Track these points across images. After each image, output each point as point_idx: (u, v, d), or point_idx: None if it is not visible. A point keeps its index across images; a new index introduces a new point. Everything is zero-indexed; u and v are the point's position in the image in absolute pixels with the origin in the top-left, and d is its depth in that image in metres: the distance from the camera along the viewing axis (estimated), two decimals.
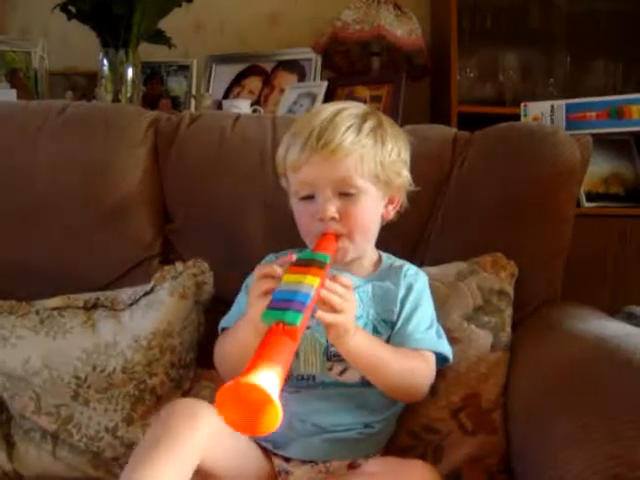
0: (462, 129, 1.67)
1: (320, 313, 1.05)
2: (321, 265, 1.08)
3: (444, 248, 1.53)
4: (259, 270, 1.13)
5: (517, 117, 2.12)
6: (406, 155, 1.31)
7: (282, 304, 0.97)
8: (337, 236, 1.21)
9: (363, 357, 1.18)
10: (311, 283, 1.02)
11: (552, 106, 2.07)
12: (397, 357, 1.22)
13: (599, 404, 1.07)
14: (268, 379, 0.81)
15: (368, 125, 1.24)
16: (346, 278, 1.12)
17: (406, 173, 1.30)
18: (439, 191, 1.54)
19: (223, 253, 1.57)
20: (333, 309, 1.07)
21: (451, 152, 1.59)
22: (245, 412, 0.83)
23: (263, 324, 0.98)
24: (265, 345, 0.90)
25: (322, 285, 1.05)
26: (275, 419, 0.81)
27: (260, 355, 0.87)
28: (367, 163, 1.22)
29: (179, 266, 1.47)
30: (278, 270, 1.08)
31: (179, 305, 1.42)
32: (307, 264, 1.07)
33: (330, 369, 1.25)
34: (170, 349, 1.40)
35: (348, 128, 1.21)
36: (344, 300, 1.08)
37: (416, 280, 1.34)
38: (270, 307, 0.98)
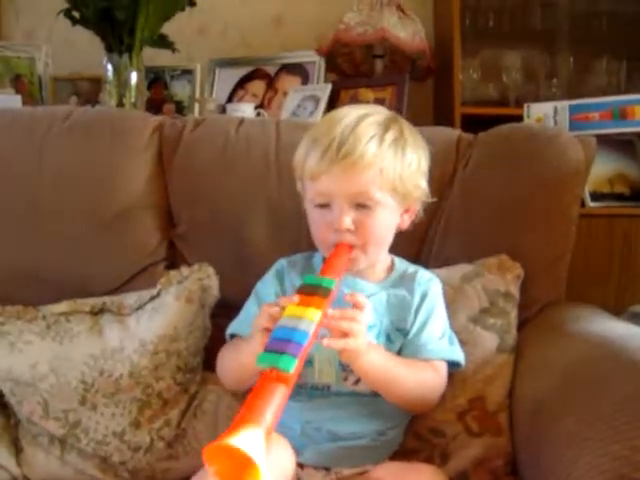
0: (466, 130, 1.68)
1: (327, 341, 1.06)
2: (325, 293, 1.07)
3: (448, 250, 1.53)
4: (265, 307, 1.11)
5: (520, 118, 2.13)
6: (425, 166, 1.30)
7: (279, 345, 0.97)
8: (351, 247, 1.21)
9: (376, 374, 1.18)
10: (311, 318, 1.02)
11: (555, 107, 2.07)
12: (409, 371, 1.23)
13: (604, 404, 1.07)
14: (251, 439, 0.82)
15: (390, 136, 1.22)
16: (362, 297, 1.13)
17: (424, 184, 1.29)
18: (443, 193, 1.54)
19: (228, 257, 1.57)
20: (343, 334, 1.07)
21: (455, 154, 1.59)
22: (231, 468, 0.83)
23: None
24: (256, 394, 0.90)
25: (325, 315, 1.05)
26: (257, 478, 0.81)
27: (249, 407, 0.88)
28: (386, 176, 1.20)
29: (184, 270, 1.48)
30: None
31: (185, 309, 1.42)
32: (311, 292, 1.07)
33: (345, 379, 1.24)
34: (176, 353, 1.40)
35: (370, 139, 1.19)
36: (355, 323, 1.08)
37: (430, 287, 1.34)
38: (267, 349, 0.98)
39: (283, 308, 1.05)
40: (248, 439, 0.81)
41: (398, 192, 1.23)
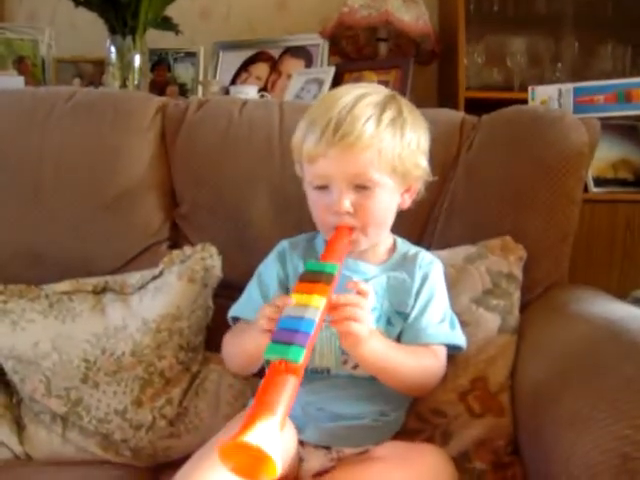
0: (470, 114, 1.67)
1: (335, 326, 1.06)
2: (328, 279, 1.06)
3: (452, 231, 1.53)
4: (264, 310, 1.09)
5: (525, 102, 2.12)
6: (425, 144, 1.28)
7: (286, 336, 0.97)
8: (351, 229, 1.20)
9: (376, 362, 1.17)
10: (317, 306, 1.01)
11: (560, 90, 2.06)
12: (408, 358, 1.22)
13: (606, 385, 1.08)
14: (266, 434, 0.82)
15: (388, 115, 1.20)
16: (365, 285, 1.12)
17: (424, 163, 1.27)
18: (447, 174, 1.55)
19: (231, 237, 1.58)
20: (347, 320, 1.07)
21: (459, 136, 1.59)
22: (247, 462, 0.84)
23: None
24: (267, 387, 0.91)
25: (329, 302, 1.05)
26: (273, 472, 0.82)
27: (260, 401, 0.88)
28: (385, 157, 1.18)
29: (187, 250, 1.47)
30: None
31: (187, 289, 1.42)
32: (315, 279, 1.06)
33: (344, 363, 1.24)
34: (178, 332, 1.40)
35: (367, 120, 1.17)
36: (358, 309, 1.08)
37: (431, 270, 1.33)
38: (274, 340, 0.98)
39: (281, 308, 1.04)
40: (262, 434, 0.82)
41: (397, 172, 1.21)
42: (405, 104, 1.27)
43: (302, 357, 0.94)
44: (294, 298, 1.03)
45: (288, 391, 0.90)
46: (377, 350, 1.15)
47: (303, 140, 1.22)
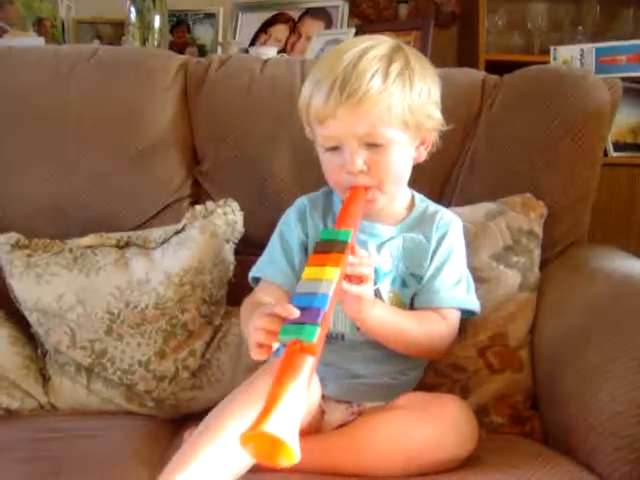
0: None
1: (347, 285, 1.03)
2: (342, 248, 1.03)
3: (472, 189, 1.53)
4: (270, 313, 1.01)
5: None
6: (436, 94, 1.23)
7: (299, 316, 0.94)
8: (367, 188, 1.18)
9: (379, 328, 1.17)
10: (330, 278, 0.99)
11: (582, 50, 2.06)
12: (415, 324, 1.21)
13: (625, 337, 1.09)
14: (284, 422, 0.82)
15: (395, 67, 1.15)
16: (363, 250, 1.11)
17: (437, 114, 1.22)
18: (468, 133, 1.54)
19: (252, 194, 1.59)
20: (360, 280, 1.06)
21: (480, 94, 1.59)
22: (266, 446, 0.84)
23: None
24: (283, 370, 0.89)
25: (345, 269, 1.02)
26: (291, 458, 0.82)
27: (278, 385, 0.86)
28: (395, 111, 1.14)
29: (210, 205, 1.48)
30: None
31: (210, 243, 1.43)
32: (327, 249, 1.04)
33: (358, 328, 1.21)
34: (201, 286, 1.41)
35: (373, 75, 1.12)
36: (370, 268, 1.07)
37: (448, 230, 1.29)
38: (288, 320, 0.95)
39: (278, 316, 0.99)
40: (281, 423, 0.81)
41: (410, 125, 1.17)
42: (413, 54, 1.22)
43: (316, 335, 0.91)
44: (307, 272, 1.02)
45: (305, 372, 0.89)
46: (380, 316, 1.15)
47: (309, 101, 1.19)
